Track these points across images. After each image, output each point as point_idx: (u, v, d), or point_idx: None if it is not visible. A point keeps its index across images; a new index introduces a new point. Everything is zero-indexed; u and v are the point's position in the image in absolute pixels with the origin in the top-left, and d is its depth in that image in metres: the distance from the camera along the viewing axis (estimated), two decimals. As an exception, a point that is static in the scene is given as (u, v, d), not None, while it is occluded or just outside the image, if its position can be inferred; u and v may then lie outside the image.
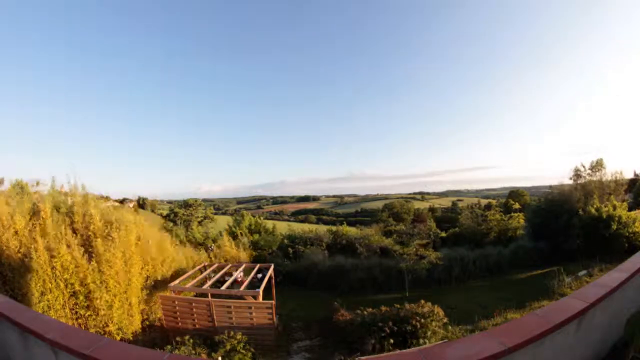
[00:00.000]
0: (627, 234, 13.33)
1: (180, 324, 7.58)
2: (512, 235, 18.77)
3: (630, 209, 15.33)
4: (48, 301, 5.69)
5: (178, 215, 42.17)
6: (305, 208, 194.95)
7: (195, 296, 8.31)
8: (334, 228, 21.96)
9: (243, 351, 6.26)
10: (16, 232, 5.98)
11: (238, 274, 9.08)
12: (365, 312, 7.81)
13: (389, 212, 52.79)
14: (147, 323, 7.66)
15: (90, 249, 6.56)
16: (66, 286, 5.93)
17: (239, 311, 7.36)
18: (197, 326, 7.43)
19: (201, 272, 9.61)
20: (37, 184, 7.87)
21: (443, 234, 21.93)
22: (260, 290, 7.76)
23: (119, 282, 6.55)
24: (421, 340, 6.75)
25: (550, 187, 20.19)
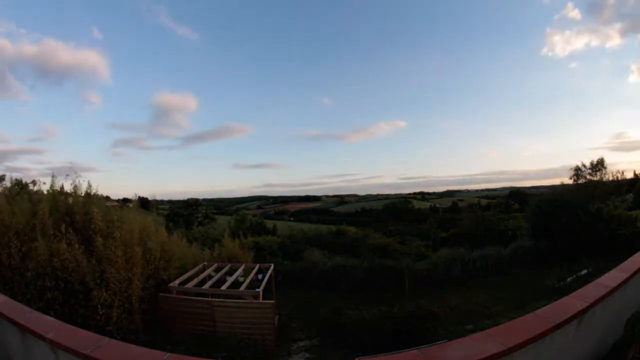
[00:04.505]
0: (627, 233, 13.32)
1: (180, 324, 7.57)
2: (512, 235, 18.75)
3: (630, 209, 15.34)
4: (48, 300, 5.69)
5: (179, 215, 42.22)
6: (306, 208, 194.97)
7: (195, 296, 8.31)
8: (336, 228, 22.05)
9: (242, 352, 6.27)
10: (17, 233, 5.99)
11: (238, 274, 9.08)
12: (365, 312, 7.81)
13: (390, 212, 52.91)
14: (148, 323, 7.65)
15: (90, 248, 6.56)
16: (66, 285, 5.93)
17: (239, 311, 7.36)
18: (197, 326, 7.43)
19: (201, 272, 9.60)
20: (34, 183, 7.89)
21: (443, 234, 21.99)
22: (260, 290, 7.75)
23: (120, 280, 6.55)
24: (421, 340, 6.75)
25: (552, 186, 20.21)
